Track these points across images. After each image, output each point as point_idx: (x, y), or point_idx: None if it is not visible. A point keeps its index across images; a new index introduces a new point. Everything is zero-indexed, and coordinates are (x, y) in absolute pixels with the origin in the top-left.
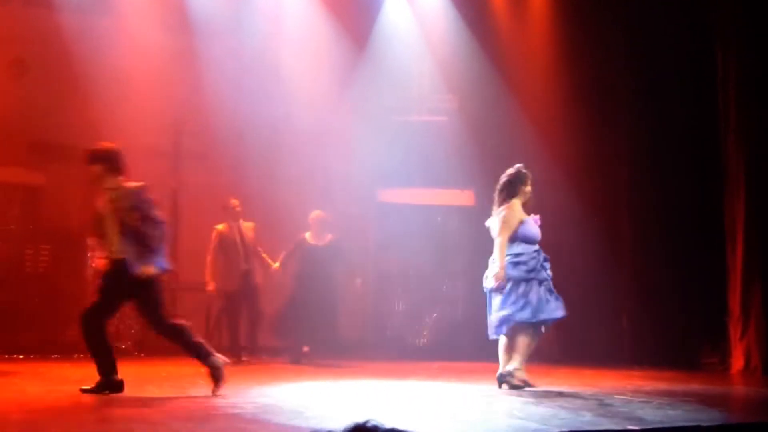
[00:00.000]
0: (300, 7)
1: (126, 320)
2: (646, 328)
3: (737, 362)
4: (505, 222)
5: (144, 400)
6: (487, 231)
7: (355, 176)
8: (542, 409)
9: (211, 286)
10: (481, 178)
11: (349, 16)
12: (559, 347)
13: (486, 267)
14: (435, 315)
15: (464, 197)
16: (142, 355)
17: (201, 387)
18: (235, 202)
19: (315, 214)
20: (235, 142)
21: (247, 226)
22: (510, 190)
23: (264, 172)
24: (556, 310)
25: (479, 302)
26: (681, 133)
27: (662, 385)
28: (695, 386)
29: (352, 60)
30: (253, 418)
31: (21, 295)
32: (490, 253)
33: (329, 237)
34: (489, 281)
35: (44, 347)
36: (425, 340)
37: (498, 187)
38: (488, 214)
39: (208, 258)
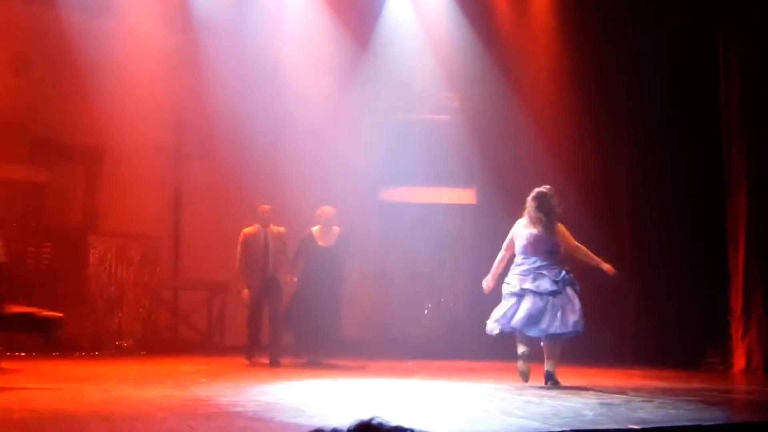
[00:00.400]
0: (302, 5)
1: (128, 319)
2: (648, 327)
3: (739, 362)
4: (567, 234)
5: (146, 399)
6: (488, 229)
7: (356, 175)
8: (543, 408)
9: (245, 295)
10: (483, 176)
11: (352, 15)
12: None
13: (505, 270)
14: (436, 314)
15: (466, 196)
16: (144, 353)
17: (203, 385)
18: (265, 207)
19: (326, 209)
20: (236, 139)
21: (276, 231)
22: (555, 215)
23: (265, 169)
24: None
25: (481, 301)
26: (682, 132)
27: (663, 385)
28: (696, 385)
29: (354, 58)
30: (255, 416)
31: (23, 292)
32: (492, 250)
33: (337, 231)
34: (538, 284)
35: (46, 345)
36: (426, 339)
37: (545, 208)
38: (489, 213)
39: (237, 263)
